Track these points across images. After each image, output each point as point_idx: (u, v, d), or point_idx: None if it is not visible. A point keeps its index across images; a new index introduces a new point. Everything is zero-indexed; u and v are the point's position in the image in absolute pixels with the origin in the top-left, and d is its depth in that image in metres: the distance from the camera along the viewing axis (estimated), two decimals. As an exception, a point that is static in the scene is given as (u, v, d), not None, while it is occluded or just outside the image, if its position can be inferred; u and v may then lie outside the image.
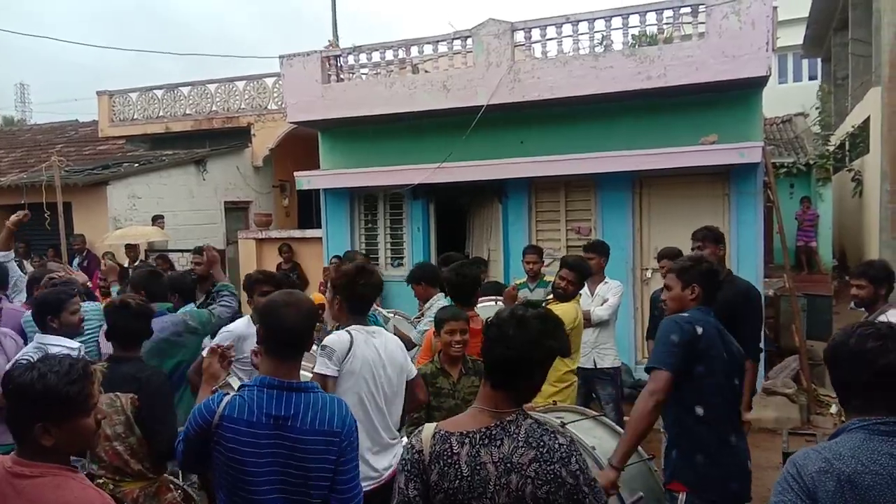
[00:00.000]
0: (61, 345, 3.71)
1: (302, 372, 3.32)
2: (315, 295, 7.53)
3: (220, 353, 2.92)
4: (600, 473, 2.81)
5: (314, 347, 3.09)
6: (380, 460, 3.14)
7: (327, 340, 3.12)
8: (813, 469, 1.83)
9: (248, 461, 2.25)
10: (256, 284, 4.30)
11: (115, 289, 5.99)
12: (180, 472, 3.58)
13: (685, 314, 3.15)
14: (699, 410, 3.07)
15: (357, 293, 3.24)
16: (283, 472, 2.26)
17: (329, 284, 3.40)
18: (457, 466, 1.96)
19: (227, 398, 2.33)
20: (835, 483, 1.79)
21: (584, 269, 5.10)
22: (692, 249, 4.68)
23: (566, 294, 4.95)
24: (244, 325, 4.16)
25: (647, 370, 3.12)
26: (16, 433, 1.90)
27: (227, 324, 4.58)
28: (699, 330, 3.07)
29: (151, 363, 3.47)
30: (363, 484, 2.82)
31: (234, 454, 2.26)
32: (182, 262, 10.05)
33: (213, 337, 4.37)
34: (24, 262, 11.00)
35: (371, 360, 3.12)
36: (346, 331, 3.16)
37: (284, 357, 2.38)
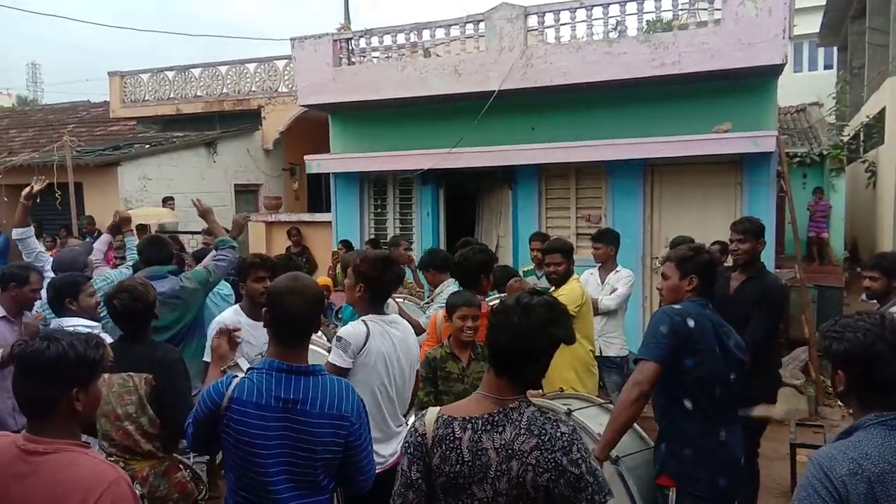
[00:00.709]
0: (82, 324, 3.74)
1: (313, 348, 3.34)
2: (322, 279, 7.55)
3: (228, 333, 2.94)
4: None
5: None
6: (386, 447, 3.15)
7: (343, 332, 3.09)
8: (843, 472, 1.76)
9: (257, 443, 2.27)
10: (252, 269, 4.01)
11: (129, 240, 5.90)
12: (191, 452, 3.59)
13: (677, 306, 3.10)
14: (687, 404, 3.04)
15: (382, 283, 3.21)
16: (291, 454, 2.29)
17: (351, 271, 3.31)
18: (458, 451, 1.97)
19: (235, 381, 2.35)
20: (866, 485, 1.74)
21: (564, 247, 5.05)
22: (730, 241, 4.53)
23: (560, 276, 4.93)
24: (230, 316, 3.90)
25: (635, 361, 3.09)
26: (37, 407, 1.92)
27: (222, 275, 4.63)
28: (691, 323, 3.01)
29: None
30: None
31: (243, 436, 2.28)
32: (192, 245, 10.09)
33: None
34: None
35: (386, 352, 3.10)
36: (363, 321, 3.12)
37: (291, 343, 2.39)
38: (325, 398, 2.32)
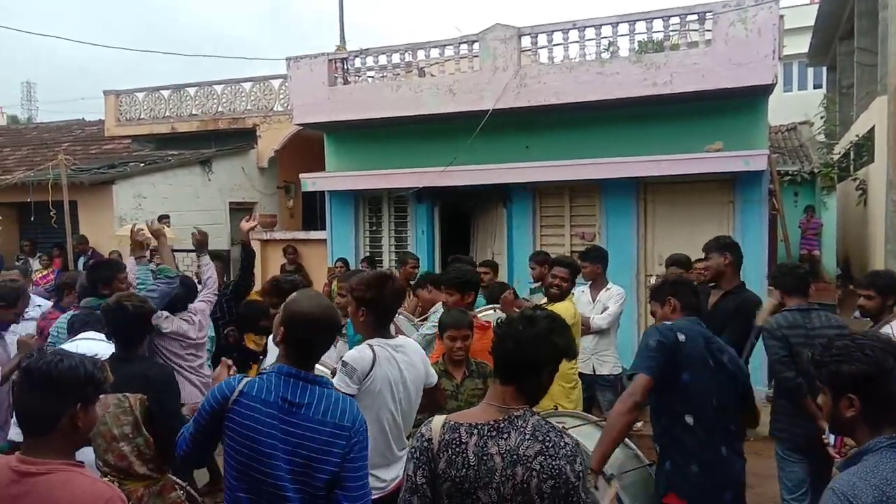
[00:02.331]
0: (96, 337, 3.75)
1: (319, 367, 3.32)
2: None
3: (228, 366, 2.94)
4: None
5: None
6: (388, 472, 3.09)
7: (349, 357, 3.01)
8: (868, 500, 1.73)
9: (262, 440, 2.29)
10: (260, 318, 4.04)
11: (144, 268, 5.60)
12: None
13: (668, 322, 3.24)
14: (689, 419, 3.08)
15: (385, 304, 3.12)
16: (291, 459, 2.30)
17: (350, 298, 3.21)
18: (464, 455, 2.01)
19: (246, 379, 2.39)
20: None
21: (576, 266, 5.15)
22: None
23: (562, 291, 4.97)
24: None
25: (629, 377, 3.17)
26: (40, 421, 1.93)
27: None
28: (681, 337, 3.09)
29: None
30: None
31: (249, 431, 2.30)
32: (187, 262, 10.07)
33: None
34: (31, 259, 11.06)
35: (392, 378, 3.02)
36: (370, 346, 3.04)
37: (303, 360, 2.43)
38: (329, 406, 2.35)
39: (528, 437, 1.98)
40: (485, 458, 1.99)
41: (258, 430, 2.29)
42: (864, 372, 1.88)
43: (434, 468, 2.04)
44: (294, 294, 2.58)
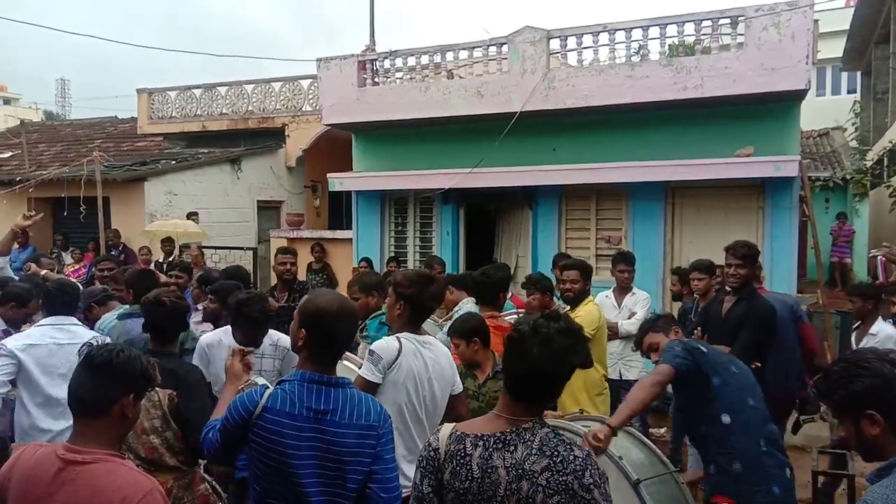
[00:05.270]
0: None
1: (347, 364, 3.36)
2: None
3: (240, 353, 2.98)
4: (596, 427, 3.02)
5: None
6: (413, 469, 3.14)
7: (376, 346, 3.10)
8: None
9: (290, 453, 2.30)
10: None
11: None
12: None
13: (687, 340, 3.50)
14: (726, 419, 3.18)
15: (425, 303, 3.23)
16: (322, 464, 2.31)
17: (391, 290, 3.31)
18: (468, 467, 1.99)
19: (269, 391, 2.38)
20: None
21: (583, 266, 5.08)
22: (726, 263, 4.64)
23: (575, 295, 4.90)
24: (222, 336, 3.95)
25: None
26: (94, 407, 2.02)
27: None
28: (704, 348, 3.34)
29: None
30: None
31: (275, 445, 2.31)
32: (215, 259, 10.21)
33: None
34: (63, 253, 11.29)
35: (417, 371, 3.09)
36: (396, 338, 3.12)
37: (328, 360, 2.44)
38: (353, 408, 2.36)
39: (535, 451, 1.94)
40: (488, 470, 1.95)
41: (285, 444, 2.30)
42: (873, 384, 1.87)
43: (440, 478, 2.03)
44: (307, 296, 2.59)
